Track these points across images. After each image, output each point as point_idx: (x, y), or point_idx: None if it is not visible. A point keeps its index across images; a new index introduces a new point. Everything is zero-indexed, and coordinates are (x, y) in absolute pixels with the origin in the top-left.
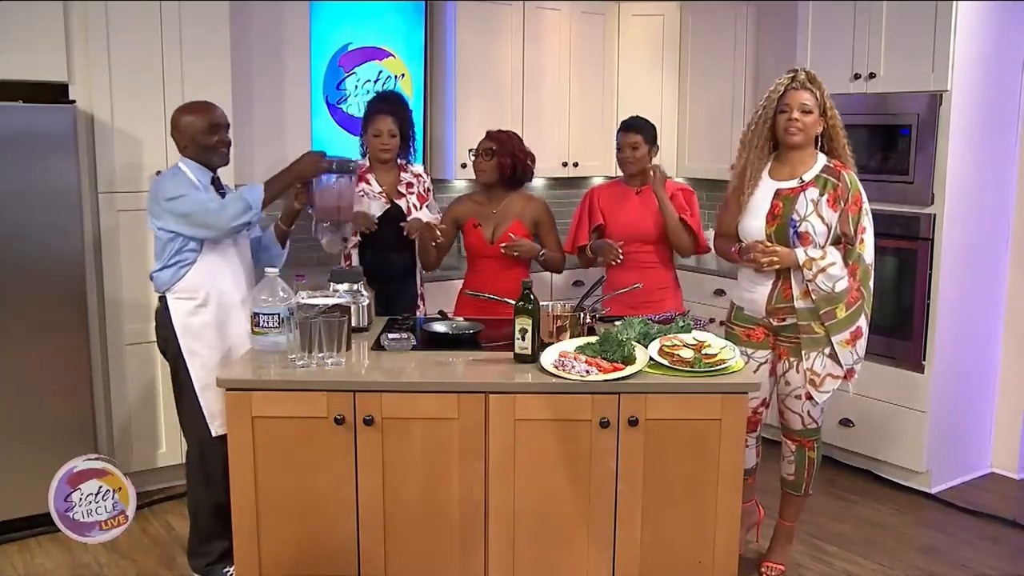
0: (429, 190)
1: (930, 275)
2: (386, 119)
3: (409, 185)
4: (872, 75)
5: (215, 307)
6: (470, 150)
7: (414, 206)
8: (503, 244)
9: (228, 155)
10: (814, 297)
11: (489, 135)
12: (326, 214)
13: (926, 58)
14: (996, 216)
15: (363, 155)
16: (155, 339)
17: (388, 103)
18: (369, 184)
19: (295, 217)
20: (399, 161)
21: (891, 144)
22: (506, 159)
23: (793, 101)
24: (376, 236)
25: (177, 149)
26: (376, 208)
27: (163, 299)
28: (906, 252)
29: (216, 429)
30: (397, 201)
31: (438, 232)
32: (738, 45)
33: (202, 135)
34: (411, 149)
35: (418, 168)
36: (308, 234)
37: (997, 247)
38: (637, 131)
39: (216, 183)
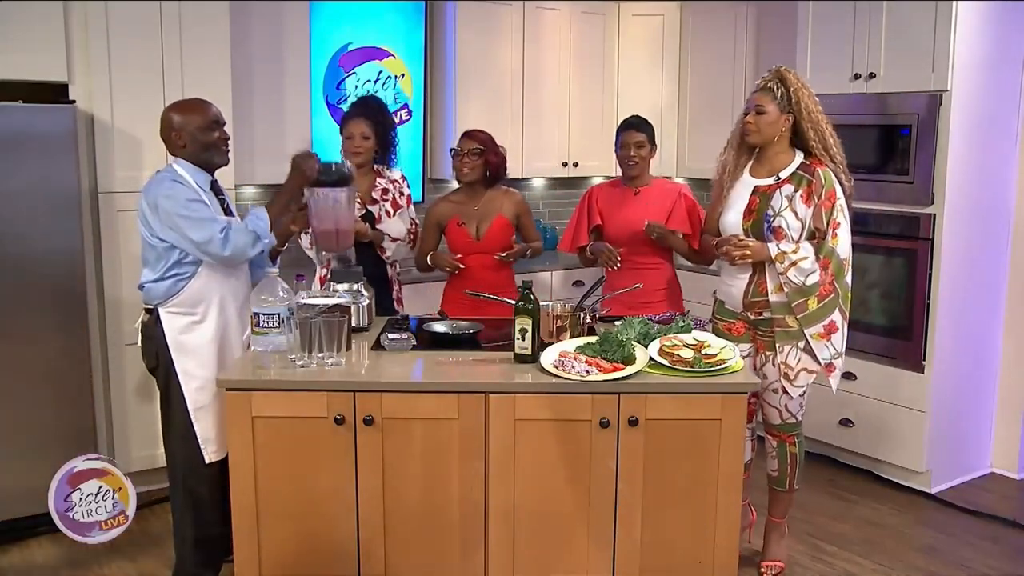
0: (404, 195)
1: (930, 275)
2: (359, 122)
3: (384, 191)
4: (872, 75)
5: (213, 323)
6: (452, 149)
7: (387, 212)
8: (500, 254)
9: (228, 153)
10: (786, 290)
11: (471, 135)
12: (326, 242)
13: (926, 58)
14: (996, 216)
15: (341, 160)
16: (142, 353)
17: (362, 106)
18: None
19: (288, 238)
20: (375, 166)
21: (891, 144)
22: (493, 157)
23: (750, 103)
24: None
25: (170, 151)
26: None
27: (153, 311)
28: (906, 252)
29: (210, 455)
30: (370, 208)
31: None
32: (738, 45)
33: (202, 132)
34: (391, 155)
35: (396, 174)
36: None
37: (997, 247)
38: (641, 130)
39: (215, 187)
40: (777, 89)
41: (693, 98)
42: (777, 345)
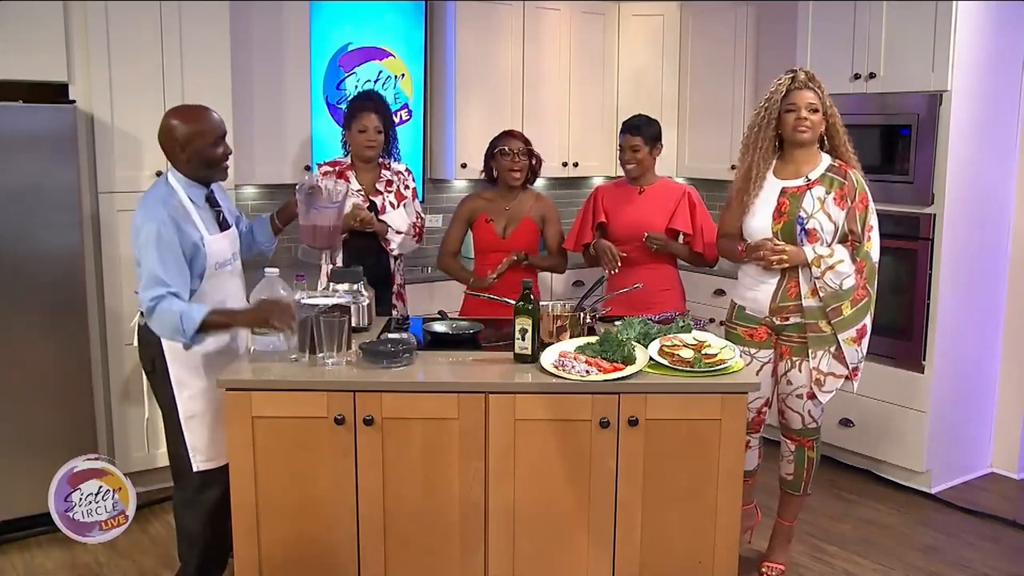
0: (409, 188)
1: (930, 275)
2: (371, 116)
3: (388, 183)
4: (872, 75)
5: (213, 338)
6: (503, 150)
7: (391, 204)
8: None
9: (228, 169)
10: (821, 294)
11: (514, 135)
12: (307, 236)
13: (926, 58)
14: (996, 216)
15: (345, 153)
16: (139, 355)
17: (371, 100)
18: (349, 182)
19: (290, 221)
20: (380, 159)
21: (891, 144)
22: (536, 158)
23: (800, 100)
24: (351, 238)
25: (168, 159)
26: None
27: None
28: (906, 252)
29: (198, 464)
30: (374, 199)
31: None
32: (738, 45)
33: (210, 148)
34: (395, 148)
35: (400, 166)
36: None
37: (997, 247)
38: (636, 133)
39: (211, 200)
40: (818, 90)
41: (693, 98)
42: (810, 351)
